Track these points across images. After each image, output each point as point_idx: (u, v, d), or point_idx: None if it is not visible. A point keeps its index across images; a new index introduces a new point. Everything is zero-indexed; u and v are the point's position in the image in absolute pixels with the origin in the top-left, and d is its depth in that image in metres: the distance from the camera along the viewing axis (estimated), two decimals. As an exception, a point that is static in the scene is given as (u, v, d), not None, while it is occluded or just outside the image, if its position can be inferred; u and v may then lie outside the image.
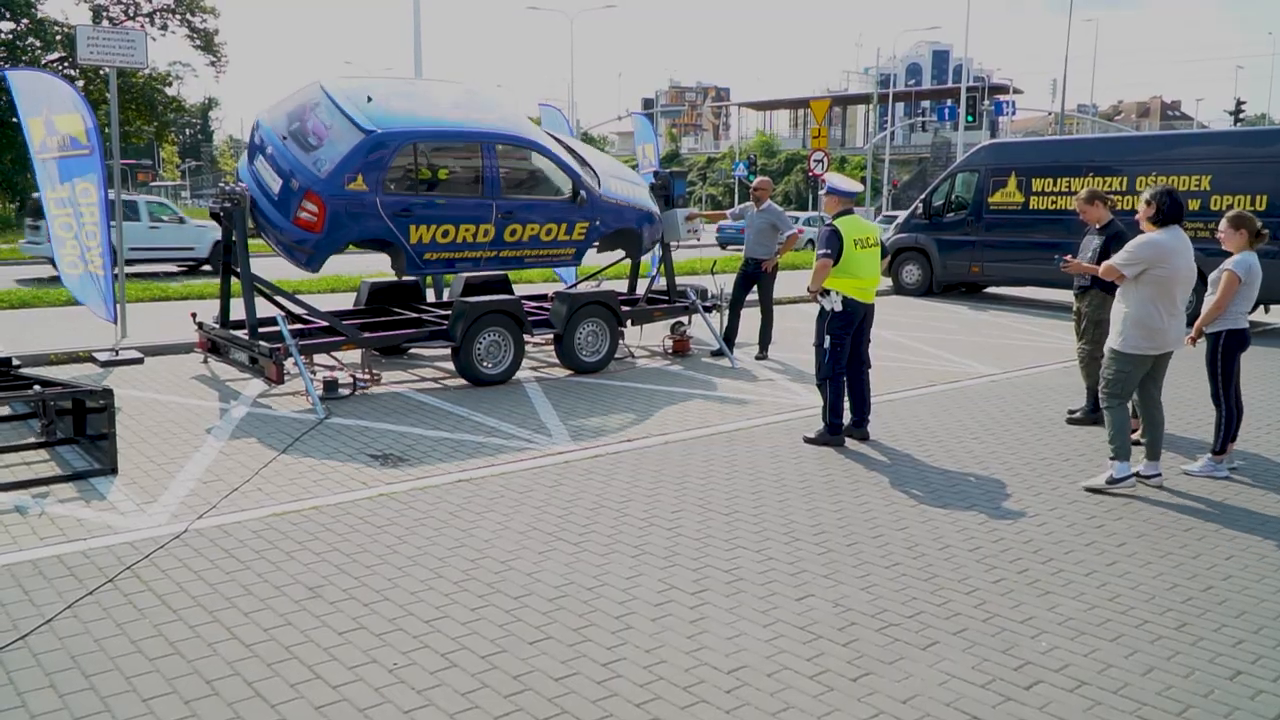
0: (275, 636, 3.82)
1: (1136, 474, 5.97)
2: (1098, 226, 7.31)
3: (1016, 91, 66.25)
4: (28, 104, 9.46)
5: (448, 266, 9.09)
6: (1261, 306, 13.52)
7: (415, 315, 9.63)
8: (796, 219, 27.80)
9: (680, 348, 10.53)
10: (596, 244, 9.94)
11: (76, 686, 3.42)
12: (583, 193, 9.37)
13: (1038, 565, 4.68)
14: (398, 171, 8.51)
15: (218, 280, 9.32)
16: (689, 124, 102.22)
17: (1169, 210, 5.80)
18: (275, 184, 8.39)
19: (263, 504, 5.42)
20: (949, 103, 54.78)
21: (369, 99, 8.60)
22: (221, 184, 8.66)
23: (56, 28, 28.28)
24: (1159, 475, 6.02)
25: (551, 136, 10.23)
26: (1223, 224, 6.14)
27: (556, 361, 9.57)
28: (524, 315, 8.93)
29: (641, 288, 11.28)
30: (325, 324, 8.71)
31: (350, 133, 8.28)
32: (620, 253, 10.82)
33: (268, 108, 9.16)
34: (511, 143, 9.11)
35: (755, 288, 10.41)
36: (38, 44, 28.35)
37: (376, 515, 5.23)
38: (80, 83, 26.97)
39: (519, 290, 11.09)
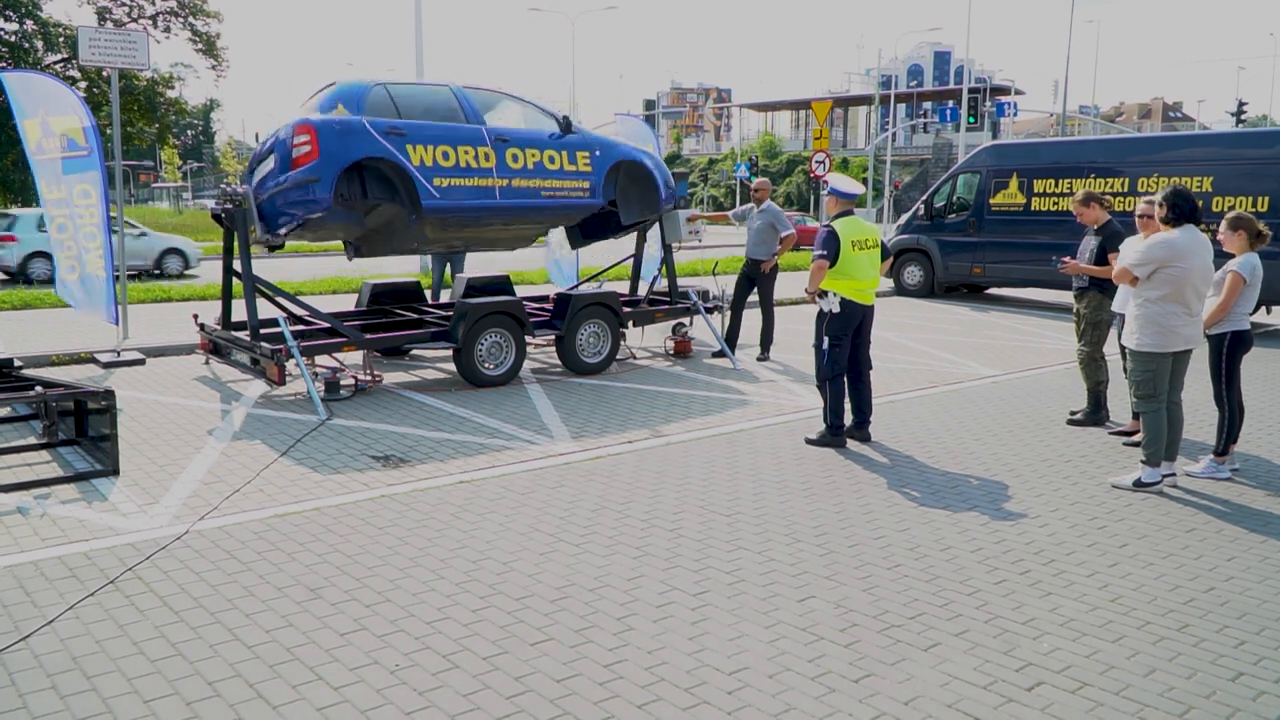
0: (277, 638, 3.82)
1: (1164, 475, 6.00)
2: (1094, 228, 7.36)
3: (1018, 93, 66.24)
4: (22, 106, 9.43)
5: (462, 200, 8.84)
6: (1262, 308, 13.50)
7: (417, 316, 9.63)
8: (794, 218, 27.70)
9: (681, 349, 10.53)
10: (614, 190, 9.92)
11: (78, 688, 3.42)
12: (565, 117, 9.63)
13: (1039, 566, 4.68)
14: (377, 105, 8.62)
15: (219, 281, 9.32)
16: (690, 125, 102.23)
17: (1181, 209, 5.81)
18: (269, 164, 8.46)
19: (264, 505, 5.42)
20: (950, 104, 54.77)
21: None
22: (223, 185, 8.65)
23: (59, 29, 28.24)
24: (1173, 475, 6.05)
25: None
26: (1223, 226, 6.14)
27: (558, 362, 9.57)
28: (525, 316, 8.94)
29: (643, 289, 11.29)
30: (327, 325, 8.72)
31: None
32: (622, 253, 10.79)
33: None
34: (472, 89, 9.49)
35: (755, 288, 10.42)
36: (40, 45, 28.31)
37: (378, 517, 5.23)
38: (83, 84, 26.95)
39: (520, 292, 11.10)
